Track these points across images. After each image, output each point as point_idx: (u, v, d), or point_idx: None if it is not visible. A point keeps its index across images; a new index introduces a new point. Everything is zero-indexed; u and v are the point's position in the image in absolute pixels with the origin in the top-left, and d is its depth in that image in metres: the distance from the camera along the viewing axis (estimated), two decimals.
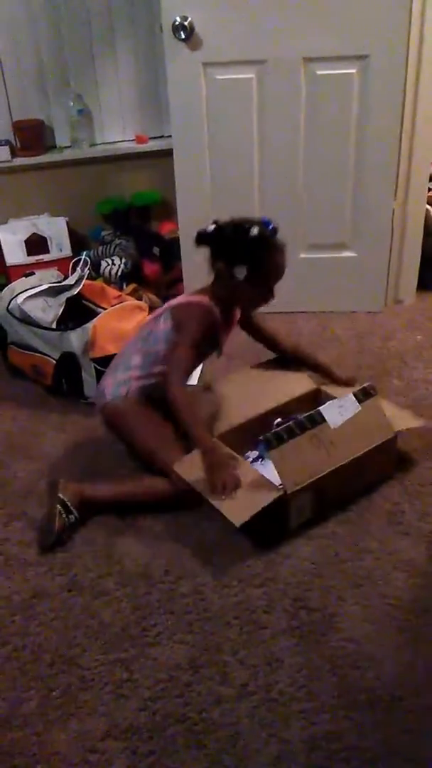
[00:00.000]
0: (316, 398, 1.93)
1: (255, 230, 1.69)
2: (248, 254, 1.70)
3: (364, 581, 1.52)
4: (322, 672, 1.33)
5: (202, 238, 1.75)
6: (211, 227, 1.75)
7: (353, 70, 2.38)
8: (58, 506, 1.66)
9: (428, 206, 2.72)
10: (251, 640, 1.41)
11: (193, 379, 2.16)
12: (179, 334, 1.76)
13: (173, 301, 1.85)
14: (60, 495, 1.68)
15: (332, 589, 1.51)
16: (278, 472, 1.58)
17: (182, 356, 1.72)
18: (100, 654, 1.39)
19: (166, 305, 1.87)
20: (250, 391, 1.77)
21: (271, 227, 1.71)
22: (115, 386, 1.83)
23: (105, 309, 2.28)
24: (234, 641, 1.41)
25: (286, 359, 2.03)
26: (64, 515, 1.66)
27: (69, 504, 1.67)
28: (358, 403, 1.71)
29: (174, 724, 1.26)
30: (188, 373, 1.75)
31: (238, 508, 1.57)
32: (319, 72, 2.39)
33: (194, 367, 1.79)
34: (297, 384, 1.96)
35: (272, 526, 1.63)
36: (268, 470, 1.65)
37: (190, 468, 1.66)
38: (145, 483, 1.77)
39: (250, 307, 1.86)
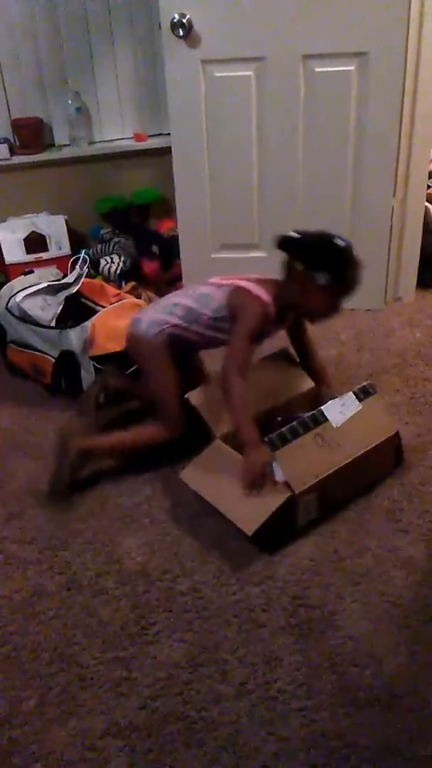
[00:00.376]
0: (316, 397, 1.93)
1: (342, 242, 1.73)
2: (332, 263, 1.74)
3: (363, 579, 1.52)
4: (321, 670, 1.34)
5: (285, 242, 1.77)
6: (296, 234, 1.77)
7: (352, 68, 2.37)
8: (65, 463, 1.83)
9: (427, 204, 2.72)
10: (250, 638, 1.41)
11: None
12: (237, 324, 1.79)
13: (241, 282, 1.86)
14: (69, 453, 1.83)
15: (331, 587, 1.51)
16: (285, 473, 1.58)
17: (242, 348, 1.75)
18: (99, 652, 1.40)
19: (233, 282, 1.87)
20: (251, 389, 1.76)
21: (349, 243, 1.76)
22: (150, 324, 1.88)
23: (104, 307, 2.28)
24: (233, 639, 1.41)
25: (287, 357, 2.02)
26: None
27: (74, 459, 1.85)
28: (358, 402, 1.71)
29: (173, 723, 1.26)
30: (246, 365, 1.77)
31: (247, 515, 1.57)
32: (317, 69, 2.39)
33: (250, 359, 1.83)
34: (297, 382, 1.95)
35: (280, 528, 1.61)
36: (276, 471, 1.64)
37: (199, 475, 1.70)
38: (139, 429, 1.91)
39: (316, 315, 1.86)
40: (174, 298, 1.94)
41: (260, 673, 1.34)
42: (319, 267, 1.73)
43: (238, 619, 1.45)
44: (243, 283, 1.84)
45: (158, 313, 1.90)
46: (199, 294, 1.89)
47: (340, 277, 1.74)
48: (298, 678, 1.32)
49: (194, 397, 1.80)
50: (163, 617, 1.46)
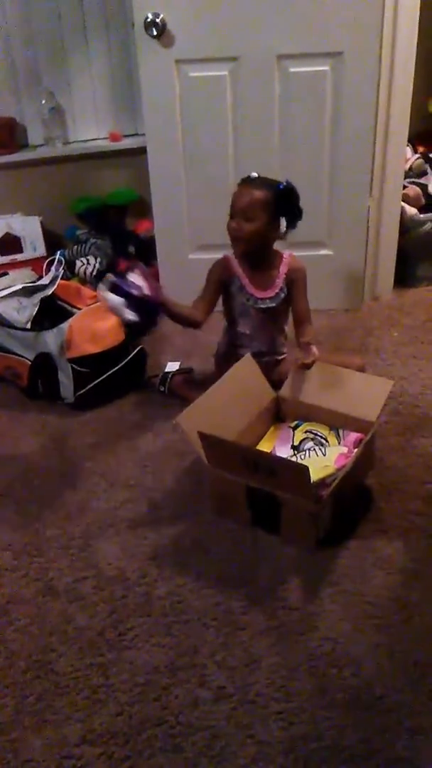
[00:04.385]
0: (277, 406, 1.94)
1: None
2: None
3: (341, 580, 1.52)
4: (300, 672, 1.33)
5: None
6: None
7: (326, 68, 2.37)
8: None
9: (403, 203, 2.73)
10: (229, 641, 1.40)
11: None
12: None
13: None
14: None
15: (310, 587, 1.51)
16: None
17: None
18: (76, 659, 1.38)
19: None
20: (225, 411, 1.77)
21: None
22: None
23: (80, 309, 2.26)
24: (212, 643, 1.40)
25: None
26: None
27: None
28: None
29: (151, 728, 1.25)
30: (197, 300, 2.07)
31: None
32: (292, 69, 2.38)
33: (200, 298, 2.06)
34: (260, 396, 1.92)
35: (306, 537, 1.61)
36: (313, 462, 1.65)
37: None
38: None
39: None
40: None
41: (239, 676, 1.33)
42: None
43: (217, 623, 1.44)
44: None
45: None
46: None
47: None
48: (277, 681, 1.32)
49: (183, 420, 1.69)
50: (141, 622, 1.45)
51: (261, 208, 1.91)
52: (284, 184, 1.93)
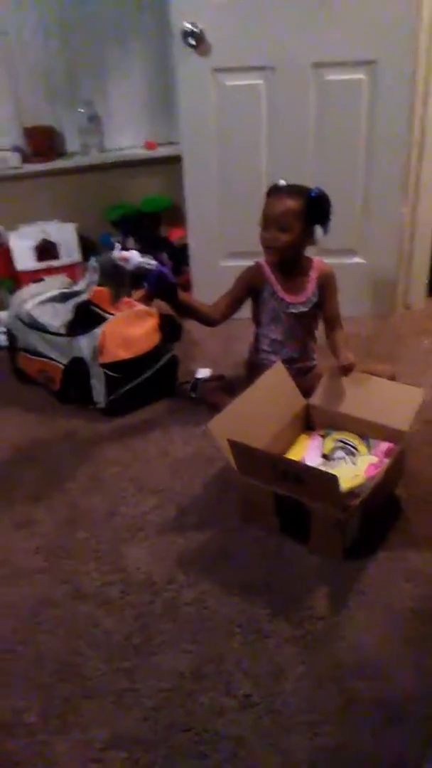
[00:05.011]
0: (307, 414, 1.94)
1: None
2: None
3: (368, 590, 1.51)
4: (326, 682, 1.32)
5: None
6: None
7: (362, 76, 2.37)
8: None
9: None
10: (255, 649, 1.40)
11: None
12: None
13: None
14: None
15: (337, 597, 1.50)
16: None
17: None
18: (103, 663, 1.39)
19: None
20: (255, 418, 1.77)
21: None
22: None
23: (114, 315, 2.29)
24: (237, 651, 1.40)
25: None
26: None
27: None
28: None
29: (176, 735, 1.25)
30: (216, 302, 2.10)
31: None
32: (327, 77, 2.39)
33: (222, 299, 2.10)
34: (290, 403, 1.92)
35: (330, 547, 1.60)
36: (343, 471, 1.65)
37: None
38: None
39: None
40: None
41: (265, 685, 1.33)
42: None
43: (242, 630, 1.44)
44: None
45: None
46: None
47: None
48: (302, 690, 1.31)
49: (214, 427, 1.69)
50: (167, 628, 1.46)
51: (295, 217, 1.92)
52: (316, 190, 1.92)
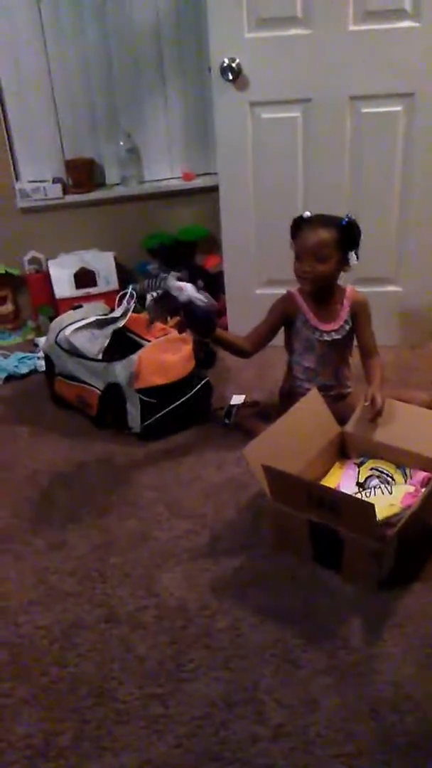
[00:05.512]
0: (342, 441, 1.94)
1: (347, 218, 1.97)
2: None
3: (404, 622, 1.49)
4: (360, 714, 1.30)
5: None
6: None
7: (399, 108, 2.39)
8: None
9: None
10: (288, 678, 1.38)
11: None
12: None
13: None
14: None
15: (372, 628, 1.48)
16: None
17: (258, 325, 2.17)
18: (136, 688, 1.39)
19: None
20: (290, 445, 1.78)
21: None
22: None
23: (150, 341, 2.32)
24: (271, 679, 1.39)
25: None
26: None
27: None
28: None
29: (208, 763, 1.24)
30: (251, 333, 2.13)
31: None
32: (364, 110, 2.42)
33: (257, 331, 2.13)
34: (325, 430, 1.92)
35: (367, 575, 1.58)
36: (378, 500, 1.64)
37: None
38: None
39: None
40: None
41: (298, 715, 1.31)
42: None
43: (276, 659, 1.43)
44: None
45: None
46: None
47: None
48: (336, 722, 1.29)
49: (249, 453, 1.69)
50: (200, 654, 1.45)
51: (331, 246, 1.94)
52: (346, 219, 1.95)
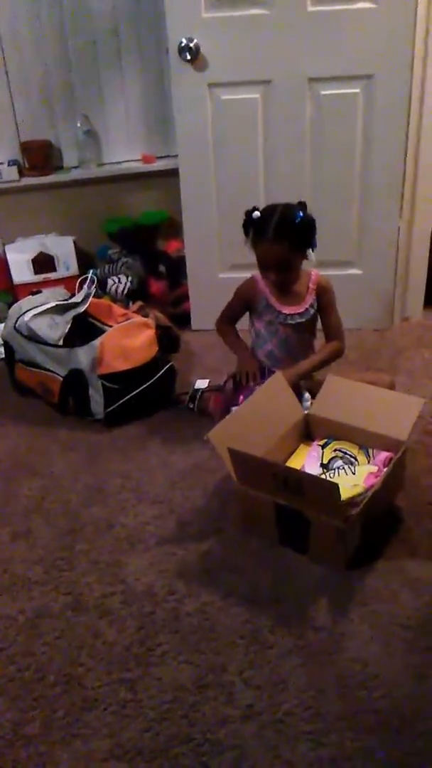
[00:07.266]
0: (306, 424, 1.94)
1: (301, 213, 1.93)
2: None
3: (370, 600, 1.51)
4: (328, 693, 1.32)
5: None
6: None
7: (357, 90, 2.40)
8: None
9: None
10: (257, 660, 1.39)
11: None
12: None
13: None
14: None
15: (339, 608, 1.50)
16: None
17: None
18: (104, 674, 1.38)
19: None
20: (254, 428, 1.78)
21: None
22: None
23: (111, 326, 2.29)
24: (240, 661, 1.39)
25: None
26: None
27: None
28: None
29: (178, 745, 1.24)
30: (223, 316, 2.20)
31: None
32: (323, 92, 2.41)
33: (227, 312, 2.20)
34: (289, 413, 1.91)
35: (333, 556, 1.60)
36: (342, 481, 1.65)
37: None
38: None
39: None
40: None
41: (267, 695, 1.32)
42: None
43: (244, 641, 1.43)
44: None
45: None
46: None
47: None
48: (305, 701, 1.30)
49: (214, 436, 1.69)
50: (169, 638, 1.45)
51: (291, 254, 1.94)
52: (300, 215, 1.90)
